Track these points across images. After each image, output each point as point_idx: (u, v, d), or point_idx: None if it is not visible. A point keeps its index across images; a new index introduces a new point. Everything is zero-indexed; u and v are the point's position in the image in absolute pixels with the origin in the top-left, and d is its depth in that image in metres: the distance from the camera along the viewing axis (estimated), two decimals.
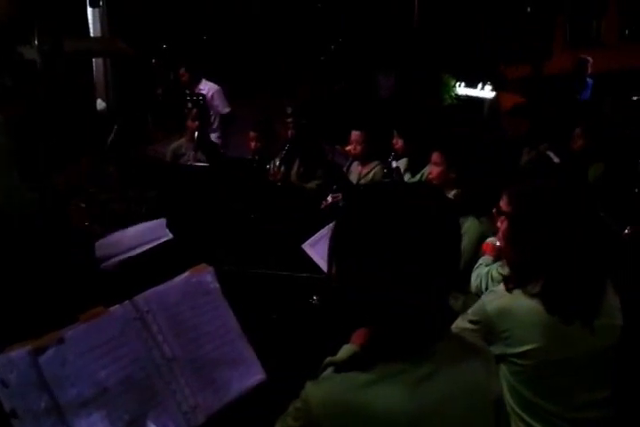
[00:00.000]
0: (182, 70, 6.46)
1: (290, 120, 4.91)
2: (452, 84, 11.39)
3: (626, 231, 3.58)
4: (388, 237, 1.18)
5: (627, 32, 10.78)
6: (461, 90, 11.72)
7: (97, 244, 2.52)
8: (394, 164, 4.51)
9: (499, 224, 2.05)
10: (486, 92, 12.04)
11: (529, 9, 10.34)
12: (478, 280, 2.64)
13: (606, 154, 4.66)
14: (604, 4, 11.12)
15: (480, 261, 2.71)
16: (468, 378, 1.30)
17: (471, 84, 11.76)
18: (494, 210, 2.05)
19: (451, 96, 11.37)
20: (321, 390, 1.21)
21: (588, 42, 11.48)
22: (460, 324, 2.00)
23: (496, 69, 10.97)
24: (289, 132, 4.94)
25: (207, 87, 6.33)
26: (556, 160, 3.92)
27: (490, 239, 2.59)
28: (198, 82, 6.36)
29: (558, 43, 11.85)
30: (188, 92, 5.87)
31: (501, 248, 2.10)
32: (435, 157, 3.52)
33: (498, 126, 6.75)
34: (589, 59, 7.98)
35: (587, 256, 1.91)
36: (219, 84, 6.42)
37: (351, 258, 1.22)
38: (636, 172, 4.30)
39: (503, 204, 2.02)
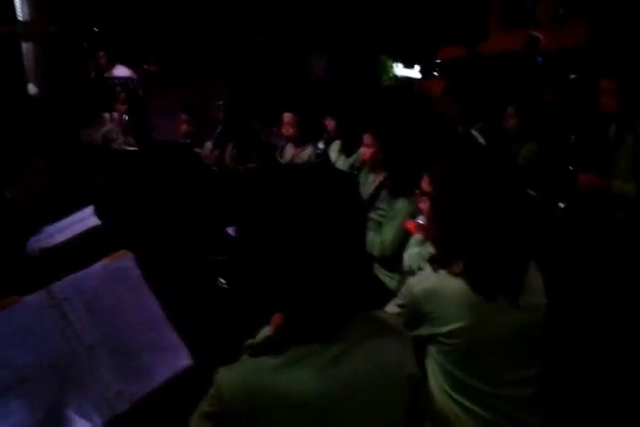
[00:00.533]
0: (101, 54, 6.31)
1: (220, 102, 4.85)
2: (390, 65, 11.47)
3: (560, 206, 3.66)
4: (294, 218, 1.17)
5: (561, 11, 10.92)
6: (400, 71, 11.84)
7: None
8: (320, 145, 4.50)
9: (421, 205, 2.06)
10: (423, 72, 12.20)
11: None
12: (410, 260, 2.67)
13: (540, 133, 4.75)
14: None
15: (411, 240, 2.73)
16: (381, 356, 1.31)
17: (409, 64, 11.88)
18: (417, 190, 2.06)
19: (389, 77, 11.45)
20: (231, 374, 1.21)
21: (522, 21, 11.60)
22: (390, 309, 2.01)
23: (429, 51, 11.06)
24: (220, 115, 4.89)
25: (121, 72, 6.20)
26: (481, 140, 3.96)
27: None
28: (113, 66, 6.23)
29: (493, 23, 11.97)
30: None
31: (425, 227, 2.11)
32: (366, 138, 3.54)
33: (432, 107, 6.78)
34: (540, 36, 7.92)
35: (508, 235, 1.92)
36: (135, 70, 6.28)
37: (260, 241, 1.21)
38: (569, 150, 4.38)
39: (425, 184, 2.02)
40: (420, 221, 2.22)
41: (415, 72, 12.01)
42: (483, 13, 11.77)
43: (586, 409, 2.62)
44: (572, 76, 5.98)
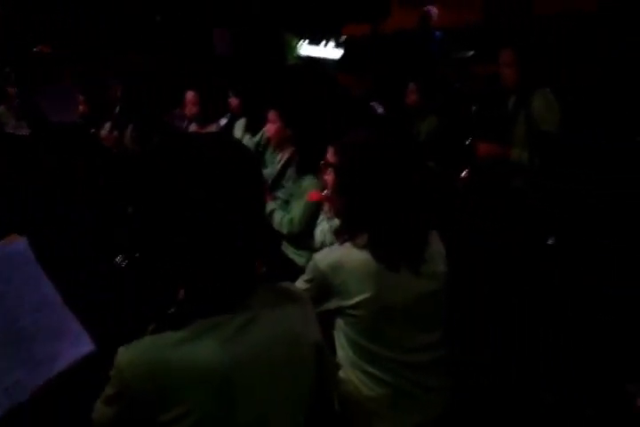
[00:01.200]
0: None
1: (117, 83, 4.70)
2: (295, 43, 11.39)
3: (462, 175, 3.75)
4: (185, 190, 1.14)
5: None
6: (304, 49, 11.78)
7: None
8: (222, 122, 4.44)
9: (326, 177, 2.06)
10: (329, 49, 12.19)
11: None
12: (322, 236, 2.67)
13: (440, 108, 4.83)
14: None
15: (321, 216, 2.74)
16: (285, 325, 1.31)
17: (314, 41, 11.83)
18: (322, 162, 2.06)
19: (294, 56, 11.37)
20: (129, 353, 1.18)
21: None
22: (298, 285, 2.01)
23: (334, 28, 11.05)
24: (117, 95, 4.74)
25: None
26: (380, 111, 3.99)
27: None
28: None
29: (397, 1, 12.06)
30: None
31: (329, 199, 2.12)
32: (271, 115, 3.52)
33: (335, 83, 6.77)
34: (433, 9, 7.91)
35: (410, 206, 1.96)
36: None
37: (150, 218, 1.18)
38: (469, 123, 4.49)
39: (330, 155, 2.03)
40: (324, 192, 2.22)
41: (320, 49, 11.98)
42: None
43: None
44: (471, 52, 6.08)
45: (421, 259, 1.98)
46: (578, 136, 3.62)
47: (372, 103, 4.22)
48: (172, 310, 1.27)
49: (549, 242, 2.75)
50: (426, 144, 4.50)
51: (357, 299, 1.90)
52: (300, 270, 2.16)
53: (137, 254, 2.19)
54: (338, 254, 1.94)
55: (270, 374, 1.27)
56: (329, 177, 2.04)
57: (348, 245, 1.96)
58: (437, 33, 7.90)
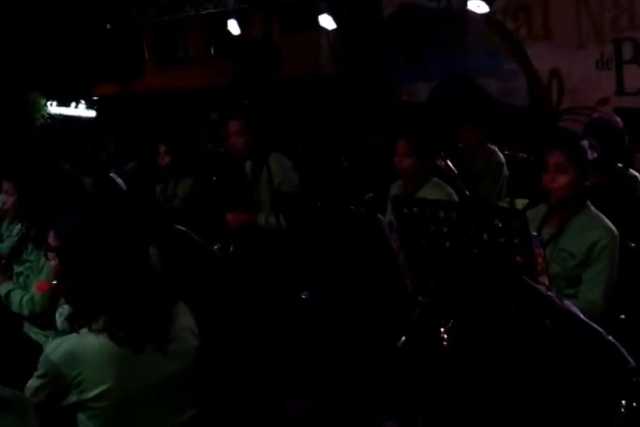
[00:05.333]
0: None
1: None
2: (43, 102, 10.90)
3: (215, 248, 3.72)
4: None
5: (212, 51, 11.37)
6: (54, 109, 11.30)
7: None
8: None
9: (52, 263, 1.92)
10: (81, 110, 11.82)
11: (108, 26, 10.28)
12: (61, 318, 2.48)
13: (194, 169, 4.79)
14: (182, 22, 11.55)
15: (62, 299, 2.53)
16: None
17: (64, 102, 11.40)
18: (43, 247, 1.93)
19: (42, 115, 10.86)
20: None
21: (176, 60, 11.87)
22: (30, 383, 1.85)
23: (84, 88, 10.77)
24: None
25: None
26: (120, 182, 3.88)
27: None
28: None
29: (149, 62, 12.08)
30: None
31: (58, 286, 1.97)
32: (5, 184, 3.28)
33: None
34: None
35: (144, 284, 1.90)
36: None
37: None
38: (216, 187, 4.46)
39: (52, 239, 1.90)
40: (54, 281, 2.06)
41: (71, 110, 11.60)
42: (137, 52, 11.79)
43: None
44: (214, 114, 6.18)
45: (167, 336, 1.90)
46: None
47: (111, 175, 4.07)
48: None
49: (303, 296, 2.80)
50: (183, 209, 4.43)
51: (98, 390, 1.79)
52: None
53: None
54: (72, 343, 1.83)
55: None
56: (54, 262, 1.90)
57: (83, 331, 1.85)
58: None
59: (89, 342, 1.80)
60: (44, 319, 3.05)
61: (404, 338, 2.34)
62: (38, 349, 3.00)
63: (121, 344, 1.80)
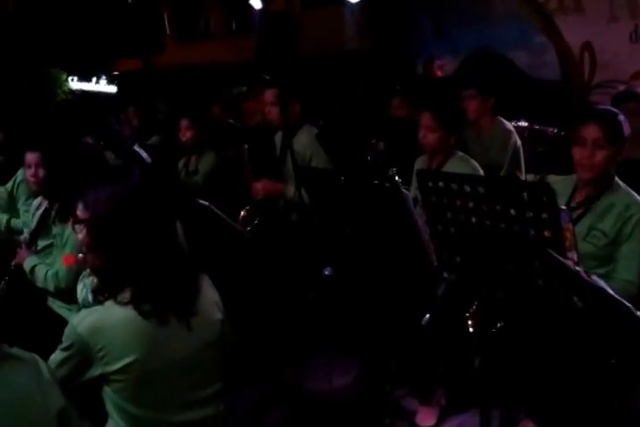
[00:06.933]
0: None
1: None
2: (64, 78, 10.89)
3: (242, 214, 3.72)
4: None
5: (233, 26, 11.30)
6: (75, 84, 11.31)
7: None
8: None
9: (80, 235, 1.91)
10: (102, 85, 11.82)
11: (129, 0, 10.22)
12: (84, 291, 2.48)
13: (214, 144, 4.78)
14: None
15: (84, 272, 2.53)
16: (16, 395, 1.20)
17: (85, 78, 11.41)
18: (71, 219, 1.92)
19: (63, 91, 10.86)
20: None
21: (197, 35, 11.82)
22: (54, 357, 1.84)
23: (105, 64, 10.75)
24: None
25: None
26: (145, 156, 3.86)
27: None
28: None
29: (170, 36, 12.03)
30: None
31: (85, 259, 1.95)
32: (29, 157, 3.27)
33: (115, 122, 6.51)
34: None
35: (174, 254, 1.89)
36: None
37: None
38: (243, 160, 4.46)
39: (80, 211, 1.89)
40: (80, 254, 2.05)
41: (92, 85, 11.60)
42: (158, 26, 11.75)
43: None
44: (243, 88, 6.12)
45: (192, 310, 1.89)
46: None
47: (136, 148, 4.05)
48: None
49: (326, 273, 2.78)
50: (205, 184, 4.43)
51: (122, 363, 1.78)
52: None
53: None
54: (98, 315, 1.81)
55: None
56: (81, 234, 1.89)
57: (109, 303, 1.84)
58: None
59: (115, 314, 1.79)
60: (69, 293, 3.07)
61: (428, 315, 2.30)
62: (62, 322, 3.04)
63: (146, 317, 1.79)
